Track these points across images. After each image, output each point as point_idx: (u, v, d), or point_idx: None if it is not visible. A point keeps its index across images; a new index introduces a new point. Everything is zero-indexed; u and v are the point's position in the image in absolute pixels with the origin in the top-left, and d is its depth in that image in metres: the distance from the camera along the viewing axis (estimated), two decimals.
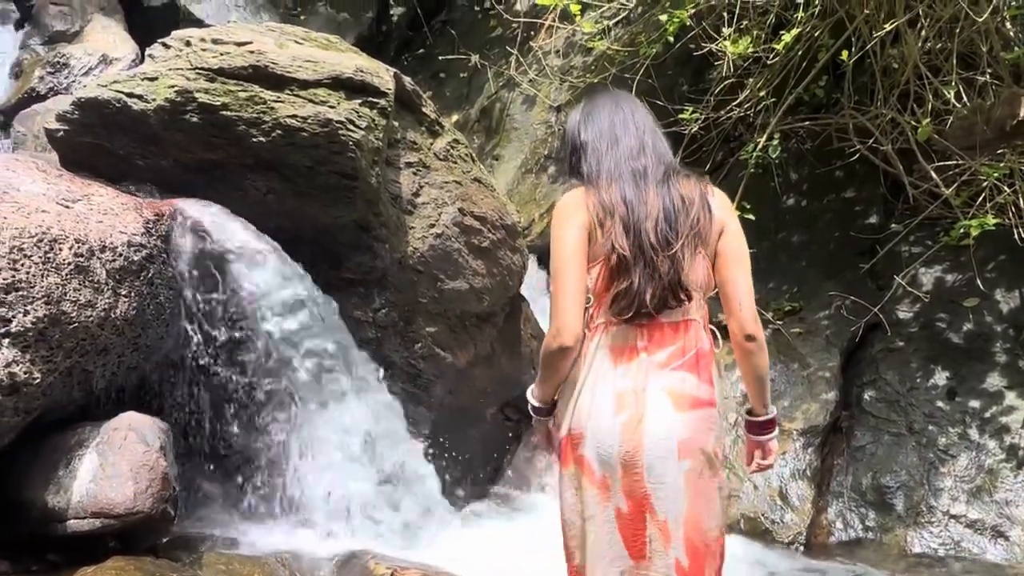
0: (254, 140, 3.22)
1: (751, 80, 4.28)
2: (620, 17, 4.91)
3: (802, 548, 3.85)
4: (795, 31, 3.82)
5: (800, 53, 4.05)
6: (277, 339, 3.37)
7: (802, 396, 4.25)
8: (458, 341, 4.03)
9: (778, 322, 4.49)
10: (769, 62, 4.04)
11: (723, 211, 2.15)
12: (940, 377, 4.18)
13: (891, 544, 3.86)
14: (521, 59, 5.46)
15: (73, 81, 5.43)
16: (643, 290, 2.02)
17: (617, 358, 2.07)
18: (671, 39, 4.43)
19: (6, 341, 2.42)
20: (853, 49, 3.81)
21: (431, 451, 3.88)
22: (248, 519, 3.45)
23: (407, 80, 3.74)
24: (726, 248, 2.13)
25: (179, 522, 3.08)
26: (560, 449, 2.14)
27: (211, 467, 3.46)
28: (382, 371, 3.72)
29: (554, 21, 5.28)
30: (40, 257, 2.57)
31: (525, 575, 2.82)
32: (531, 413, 2.27)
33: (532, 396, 2.23)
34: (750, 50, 3.99)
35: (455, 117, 5.91)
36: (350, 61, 3.34)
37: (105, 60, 5.59)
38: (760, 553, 3.78)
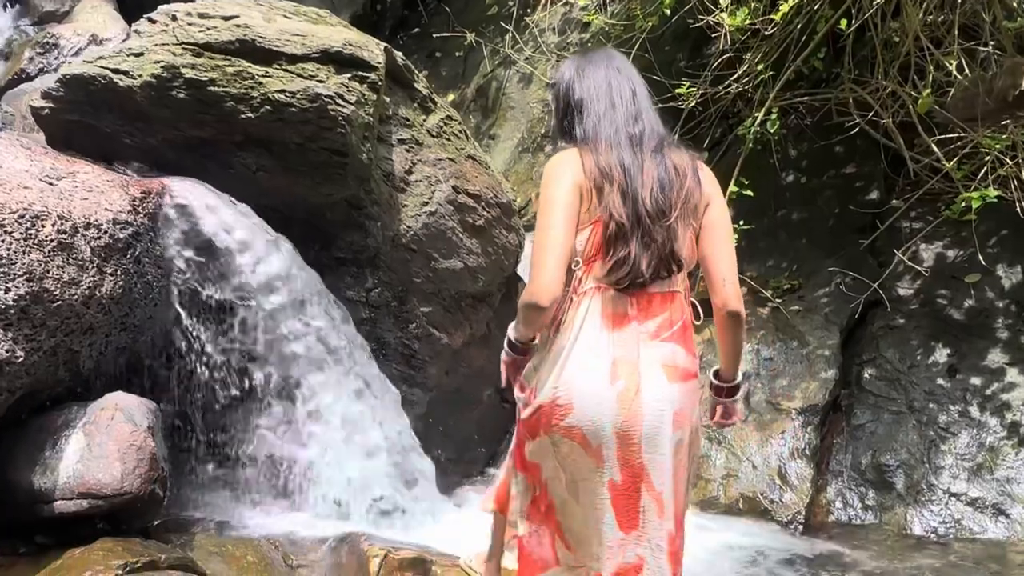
0: (242, 116, 3.17)
1: (749, 54, 4.21)
2: None
3: (801, 528, 3.83)
4: (794, 1, 3.75)
5: (799, 26, 3.98)
6: (267, 318, 3.33)
7: (801, 375, 4.21)
8: (453, 321, 3.99)
9: (777, 300, 4.45)
10: (767, 33, 3.97)
11: (711, 186, 2.14)
12: (941, 354, 4.14)
13: (891, 523, 3.84)
14: (517, 36, 5.39)
15: (63, 61, 5.37)
16: (639, 259, 2.02)
17: (609, 326, 2.05)
18: (667, 12, 4.37)
19: None
20: (853, 21, 3.73)
21: (426, 433, 3.85)
22: (240, 502, 3.44)
23: (398, 55, 3.68)
24: (712, 223, 2.12)
25: (170, 505, 3.06)
26: (536, 416, 2.10)
27: (202, 449, 3.43)
28: (375, 351, 3.68)
29: None
30: (21, 233, 2.52)
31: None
32: (506, 348, 2.23)
33: (512, 332, 2.20)
34: (748, 22, 3.92)
35: (451, 96, 5.85)
36: (339, 35, 3.29)
37: (95, 40, 5.54)
38: (758, 533, 3.75)
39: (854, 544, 3.66)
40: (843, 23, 3.72)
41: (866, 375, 4.24)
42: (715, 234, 2.12)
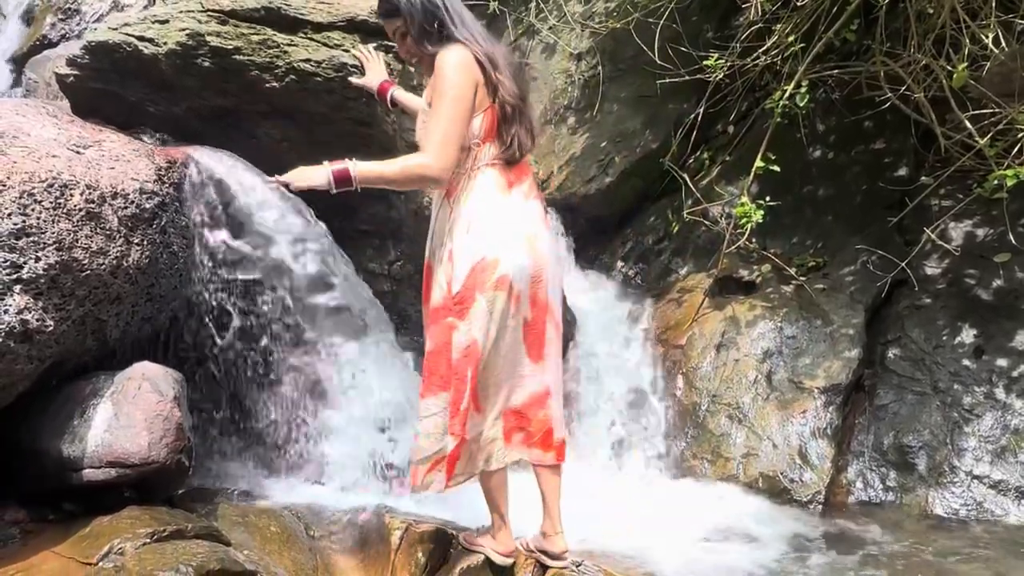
0: (267, 85, 3.15)
1: (779, 26, 4.12)
2: None
3: (821, 507, 3.80)
4: None
5: None
6: (291, 290, 3.33)
7: (824, 354, 4.17)
8: None
9: (801, 278, 4.40)
10: (799, 4, 3.88)
11: None
12: (967, 335, 4.09)
13: (912, 504, 3.82)
14: (542, 5, 5.31)
15: (85, 28, 5.34)
16: (523, 137, 2.50)
17: (505, 190, 2.48)
18: None
19: (18, 287, 2.38)
20: None
21: None
22: (263, 472, 3.46)
23: None
24: None
25: (195, 475, 3.08)
26: (471, 281, 2.41)
27: (226, 419, 3.45)
28: (396, 324, 3.67)
29: None
30: (51, 203, 2.52)
31: (531, 531, 2.79)
32: (333, 180, 2.48)
33: (358, 175, 2.46)
34: None
35: None
36: (365, 3, 3.24)
37: (116, 5, 5.51)
38: (778, 511, 3.74)
39: (875, 525, 3.64)
40: None
41: (890, 355, 4.20)
42: None
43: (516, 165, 2.53)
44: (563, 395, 2.77)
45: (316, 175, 2.51)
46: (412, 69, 3.36)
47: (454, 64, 2.39)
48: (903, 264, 4.13)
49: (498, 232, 2.46)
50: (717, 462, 4.02)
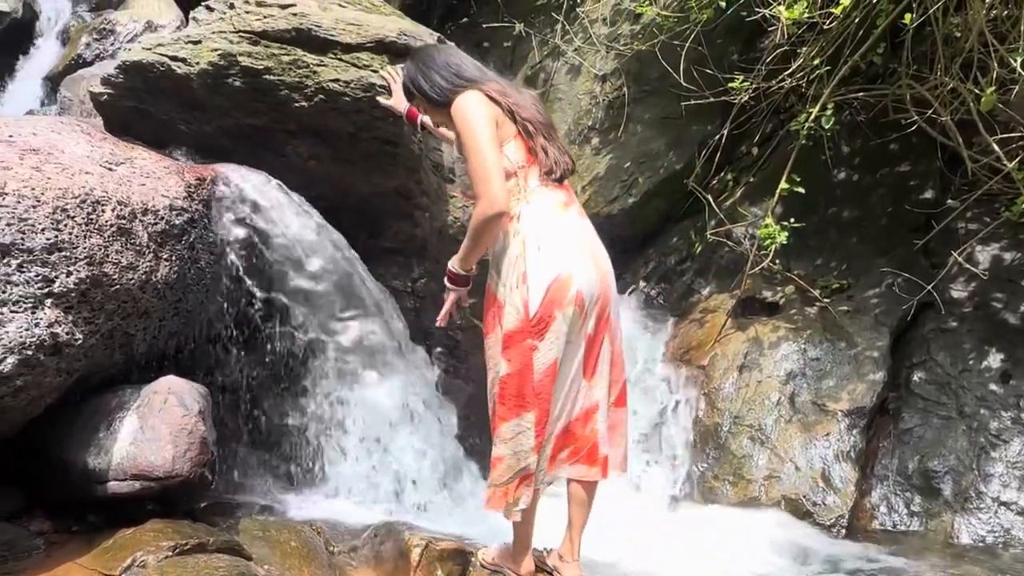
0: (296, 105, 3.19)
1: (804, 48, 4.12)
2: None
3: (844, 531, 3.75)
4: None
5: (856, 20, 3.89)
6: (316, 308, 3.36)
7: (848, 376, 4.14)
8: None
9: (825, 299, 4.37)
10: (826, 27, 3.88)
11: None
12: (994, 359, 4.04)
13: (937, 530, 3.76)
14: (568, 27, 5.35)
15: (119, 47, 5.45)
16: (558, 157, 2.54)
17: (561, 209, 2.52)
18: (723, 4, 4.29)
19: (49, 301, 2.42)
20: (914, 15, 3.63)
21: (466, 424, 3.86)
22: (284, 487, 3.48)
23: (451, 45, 3.67)
24: None
25: (216, 488, 3.10)
26: (548, 300, 2.41)
27: (248, 434, 3.48)
28: (419, 341, 3.69)
29: None
30: (83, 218, 2.57)
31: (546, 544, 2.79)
32: (451, 284, 2.62)
33: (458, 266, 2.58)
34: (805, 15, 3.84)
35: None
36: (394, 24, 3.29)
37: (150, 26, 5.61)
38: (800, 535, 3.70)
39: (899, 550, 3.59)
40: (907, 18, 3.61)
41: (915, 378, 4.15)
42: None
43: (563, 186, 2.58)
44: None
45: (448, 297, 2.68)
46: None
47: (465, 105, 2.47)
48: (929, 287, 4.09)
49: (568, 249, 2.48)
50: (739, 484, 3.99)
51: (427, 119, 3.03)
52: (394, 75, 3.16)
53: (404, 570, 2.81)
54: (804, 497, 3.86)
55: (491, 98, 2.49)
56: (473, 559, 2.82)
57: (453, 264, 2.59)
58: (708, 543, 3.52)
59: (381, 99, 3.17)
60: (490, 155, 2.40)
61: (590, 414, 2.59)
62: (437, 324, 2.75)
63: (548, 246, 2.45)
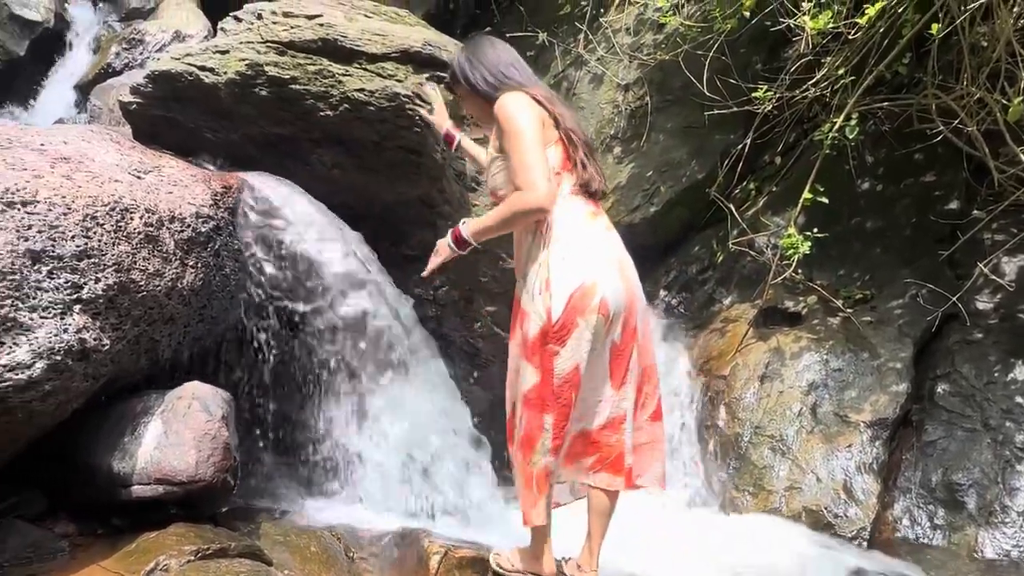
0: (321, 114, 3.22)
1: (829, 58, 4.11)
2: None
3: (865, 544, 3.71)
4: (880, 4, 3.64)
5: (881, 30, 3.87)
6: (338, 315, 3.38)
7: (871, 387, 4.10)
8: None
9: (848, 310, 4.34)
10: (851, 37, 3.86)
11: None
12: (1020, 371, 3.99)
13: (960, 544, 3.71)
14: (591, 36, 5.36)
15: (147, 57, 5.53)
16: (594, 166, 2.57)
17: (592, 217, 2.54)
18: (747, 14, 4.29)
19: (77, 307, 2.46)
20: (941, 25, 3.61)
21: (486, 431, 3.87)
22: (304, 492, 3.50)
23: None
24: None
25: (237, 492, 3.12)
26: (571, 306, 2.42)
27: (270, 439, 3.50)
28: (440, 349, 3.71)
29: None
30: (112, 226, 2.60)
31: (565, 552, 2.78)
32: (453, 243, 2.63)
33: (469, 233, 2.58)
34: (830, 26, 3.82)
35: None
36: (419, 34, 3.32)
37: (179, 36, 5.69)
38: (821, 547, 3.67)
39: (922, 563, 3.55)
40: (934, 27, 3.59)
41: (939, 390, 4.11)
42: None
43: (593, 197, 2.58)
44: None
45: (441, 248, 2.70)
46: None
47: (513, 104, 2.49)
48: (954, 299, 4.06)
49: (593, 258, 2.49)
50: (759, 494, 3.97)
51: (467, 144, 3.10)
52: (435, 94, 3.21)
53: None
54: (825, 509, 3.83)
55: (537, 101, 2.52)
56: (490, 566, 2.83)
57: (466, 228, 2.60)
58: (728, 554, 3.50)
59: (422, 110, 3.21)
60: (536, 153, 2.42)
61: (617, 424, 2.60)
62: (423, 276, 2.81)
63: (573, 254, 2.47)
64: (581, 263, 2.46)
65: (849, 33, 3.87)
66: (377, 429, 3.54)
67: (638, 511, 3.82)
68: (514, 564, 2.75)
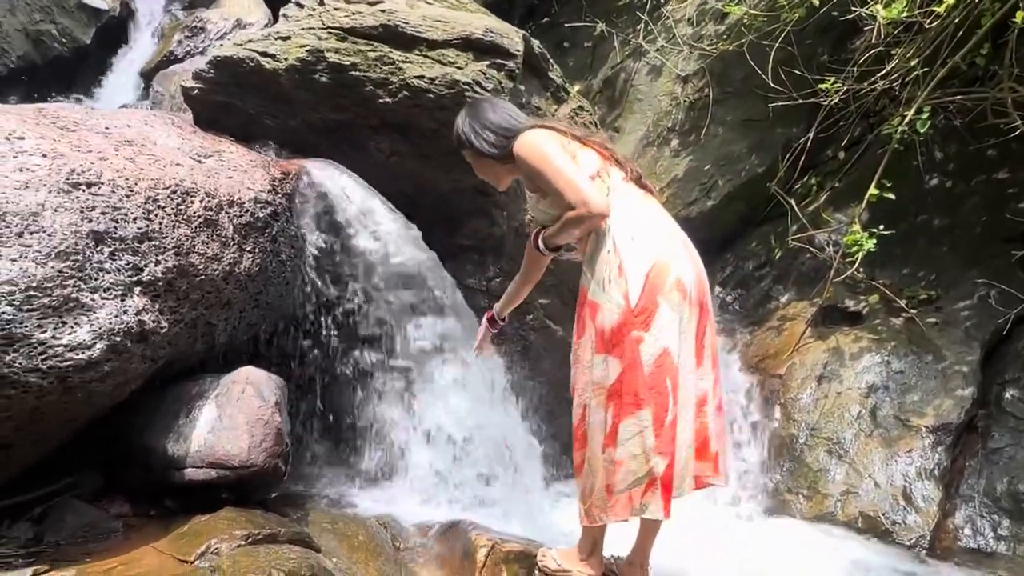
0: (380, 101, 3.22)
1: (900, 49, 3.97)
2: None
3: (924, 552, 3.60)
4: None
5: (957, 20, 3.72)
6: (393, 305, 3.38)
7: (935, 391, 3.98)
8: (570, 315, 3.88)
9: (912, 310, 4.21)
10: (928, 26, 3.72)
11: None
12: None
13: None
14: (652, 25, 5.27)
15: (209, 44, 5.60)
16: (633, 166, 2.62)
17: (649, 201, 2.56)
18: (816, 3, 4.16)
19: (137, 289, 2.48)
20: (1022, 12, 3.45)
21: (534, 425, 3.84)
22: (352, 481, 3.50)
23: (535, 43, 3.65)
24: None
25: (287, 479, 3.14)
26: (648, 290, 2.36)
27: (320, 427, 3.51)
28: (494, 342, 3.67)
29: None
30: (172, 209, 2.63)
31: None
32: (548, 249, 2.63)
33: (545, 239, 2.59)
34: (904, 14, 3.68)
35: (576, 88, 5.78)
36: (480, 22, 3.29)
37: (240, 24, 5.76)
38: (878, 554, 3.57)
39: (986, 574, 3.43)
40: (1019, 16, 3.42)
41: (1008, 396, 3.96)
42: None
43: (641, 185, 2.58)
44: None
45: (531, 246, 2.73)
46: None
47: (528, 141, 2.50)
48: None
49: (662, 236, 2.46)
50: (814, 498, 3.88)
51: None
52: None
53: (469, 570, 2.79)
54: (883, 515, 3.73)
55: (551, 128, 2.56)
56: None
57: (544, 234, 2.61)
58: (780, 557, 3.42)
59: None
60: (571, 167, 2.43)
61: (700, 405, 2.49)
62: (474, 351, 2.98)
63: (641, 234, 2.43)
64: (652, 242, 2.42)
65: (925, 22, 3.72)
66: (426, 421, 3.53)
67: (689, 511, 3.78)
68: (560, 564, 2.70)
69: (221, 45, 3.66)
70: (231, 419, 2.73)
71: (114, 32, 6.32)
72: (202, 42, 5.69)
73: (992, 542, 3.68)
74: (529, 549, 2.81)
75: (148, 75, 5.74)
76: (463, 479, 3.50)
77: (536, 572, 2.74)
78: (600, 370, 2.42)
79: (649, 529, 2.61)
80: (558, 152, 2.46)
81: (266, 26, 5.68)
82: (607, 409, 2.41)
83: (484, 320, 2.99)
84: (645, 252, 2.40)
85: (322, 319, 3.36)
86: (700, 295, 2.48)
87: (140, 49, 6.27)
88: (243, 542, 2.43)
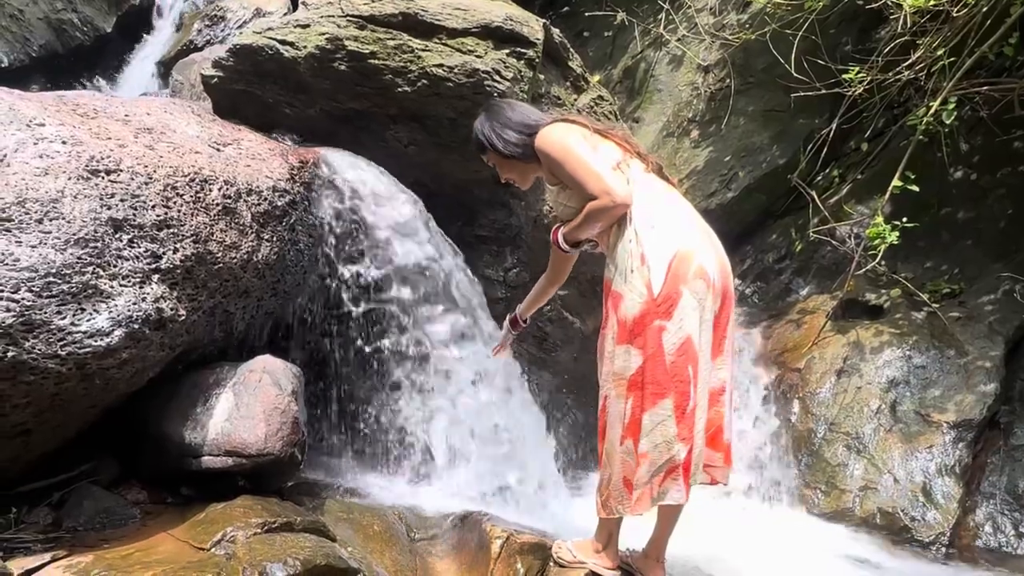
0: (399, 90, 3.20)
1: (926, 39, 3.90)
2: None
3: (944, 550, 3.57)
4: None
5: (984, 8, 3.66)
6: (410, 297, 3.37)
7: (956, 386, 3.93)
8: (587, 306, 3.94)
9: (934, 304, 4.16)
10: (955, 15, 3.65)
11: None
12: None
13: None
14: (673, 15, 5.22)
15: (228, 34, 5.61)
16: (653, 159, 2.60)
17: (670, 191, 2.55)
18: None
19: (156, 277, 2.48)
20: None
21: (551, 416, 3.83)
22: (368, 471, 3.50)
23: (555, 32, 3.62)
24: None
25: (302, 467, 3.14)
26: (672, 278, 2.35)
27: (335, 416, 3.51)
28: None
29: None
30: (191, 196, 2.62)
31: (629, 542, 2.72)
32: (569, 245, 2.63)
33: (564, 234, 2.60)
34: (931, 3, 3.62)
35: (596, 77, 5.74)
36: (500, 9, 3.26)
37: (259, 13, 5.76)
38: (896, 550, 3.54)
39: (1005, 573, 3.39)
40: None
41: None
42: None
43: (662, 176, 2.57)
44: None
45: (554, 245, 2.71)
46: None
47: (549, 135, 2.51)
48: None
49: (683, 225, 2.45)
50: (831, 493, 3.85)
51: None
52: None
53: (484, 561, 2.78)
54: (902, 511, 3.70)
55: (572, 121, 2.55)
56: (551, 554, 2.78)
57: (564, 230, 2.61)
58: (798, 551, 3.40)
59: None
60: (593, 158, 2.43)
61: (716, 396, 2.50)
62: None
63: (662, 223, 2.41)
64: (673, 231, 2.41)
65: (953, 10, 3.66)
66: (441, 411, 3.53)
67: (706, 505, 3.76)
68: (576, 555, 2.69)
69: (241, 34, 3.65)
70: (248, 407, 2.72)
71: (135, 21, 6.34)
72: (222, 31, 5.70)
73: (1013, 540, 3.65)
74: (544, 541, 2.81)
75: (168, 64, 5.75)
76: (479, 470, 3.50)
77: (551, 564, 2.73)
78: (621, 361, 2.40)
79: (666, 522, 2.60)
80: (580, 143, 2.45)
81: (285, 15, 5.67)
82: (627, 400, 2.40)
83: (506, 322, 3.00)
84: (667, 241, 2.38)
85: (339, 308, 3.36)
86: (724, 284, 2.46)
87: (160, 38, 6.29)
88: (259, 530, 2.42)
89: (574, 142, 2.45)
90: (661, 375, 2.35)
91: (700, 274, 2.37)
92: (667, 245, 2.37)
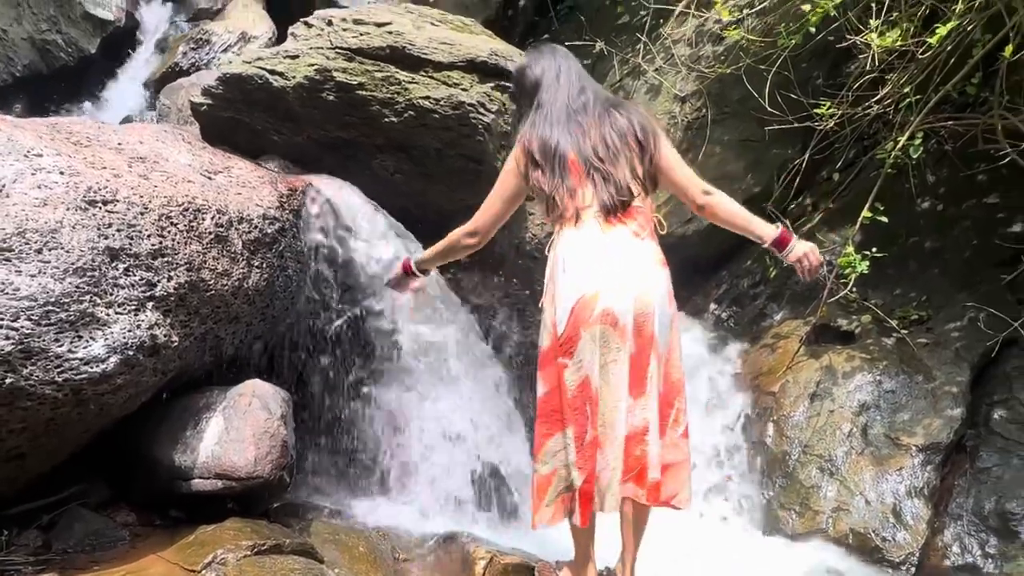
0: (386, 120, 3.27)
1: (894, 75, 4.05)
2: (758, 7, 4.72)
3: (914, 570, 3.65)
4: (950, 25, 3.58)
5: (949, 48, 3.81)
6: (392, 320, 3.43)
7: (924, 410, 4.04)
8: None
9: (903, 331, 4.28)
10: (920, 55, 3.80)
11: (653, 130, 2.73)
12: None
13: (1013, 574, 3.63)
14: (650, 45, 5.35)
15: (213, 57, 5.65)
16: (605, 186, 2.62)
17: (604, 229, 2.57)
18: (812, 30, 4.25)
19: (150, 304, 2.53)
20: (1012, 45, 3.54)
21: (533, 435, 3.87)
22: (353, 493, 3.54)
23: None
24: (666, 156, 2.74)
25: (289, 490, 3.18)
26: (573, 321, 2.47)
27: (321, 439, 3.55)
28: (496, 354, 3.73)
29: (688, 6, 5.14)
30: (185, 225, 2.68)
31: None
32: (404, 272, 3.00)
33: (416, 262, 2.97)
34: (898, 43, 3.77)
35: None
36: (485, 44, 3.35)
37: (244, 38, 5.79)
38: (867, 571, 3.63)
39: None
40: (1007, 50, 3.51)
41: (996, 416, 4.02)
42: (672, 161, 2.73)
43: (620, 211, 2.58)
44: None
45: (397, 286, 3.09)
46: None
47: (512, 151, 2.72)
48: (1016, 324, 3.98)
49: (594, 269, 2.51)
50: (805, 514, 3.93)
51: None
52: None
53: None
54: (873, 532, 3.78)
55: (526, 149, 2.65)
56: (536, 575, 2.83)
57: (411, 261, 2.98)
58: (772, 571, 3.48)
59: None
60: (491, 196, 2.76)
61: (640, 435, 2.54)
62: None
63: (573, 267, 2.52)
64: (581, 275, 2.51)
65: (918, 52, 3.81)
66: (426, 433, 3.57)
67: (680, 527, 3.83)
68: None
69: (230, 60, 3.71)
70: (238, 431, 2.78)
71: (119, 43, 6.35)
72: (207, 54, 5.74)
73: (980, 560, 3.73)
74: (528, 562, 2.86)
75: (152, 86, 5.79)
76: (462, 491, 3.54)
77: None
78: (538, 386, 2.60)
79: (630, 542, 2.66)
80: (500, 182, 2.72)
81: (270, 39, 5.74)
82: (536, 424, 2.59)
83: (399, 266, 3.09)
84: (574, 285, 2.50)
85: (325, 332, 3.41)
86: (639, 325, 2.50)
87: (145, 60, 6.31)
88: (249, 552, 2.46)
89: (499, 180, 2.72)
90: (564, 406, 2.51)
91: (603, 318, 2.46)
92: (573, 289, 2.50)
